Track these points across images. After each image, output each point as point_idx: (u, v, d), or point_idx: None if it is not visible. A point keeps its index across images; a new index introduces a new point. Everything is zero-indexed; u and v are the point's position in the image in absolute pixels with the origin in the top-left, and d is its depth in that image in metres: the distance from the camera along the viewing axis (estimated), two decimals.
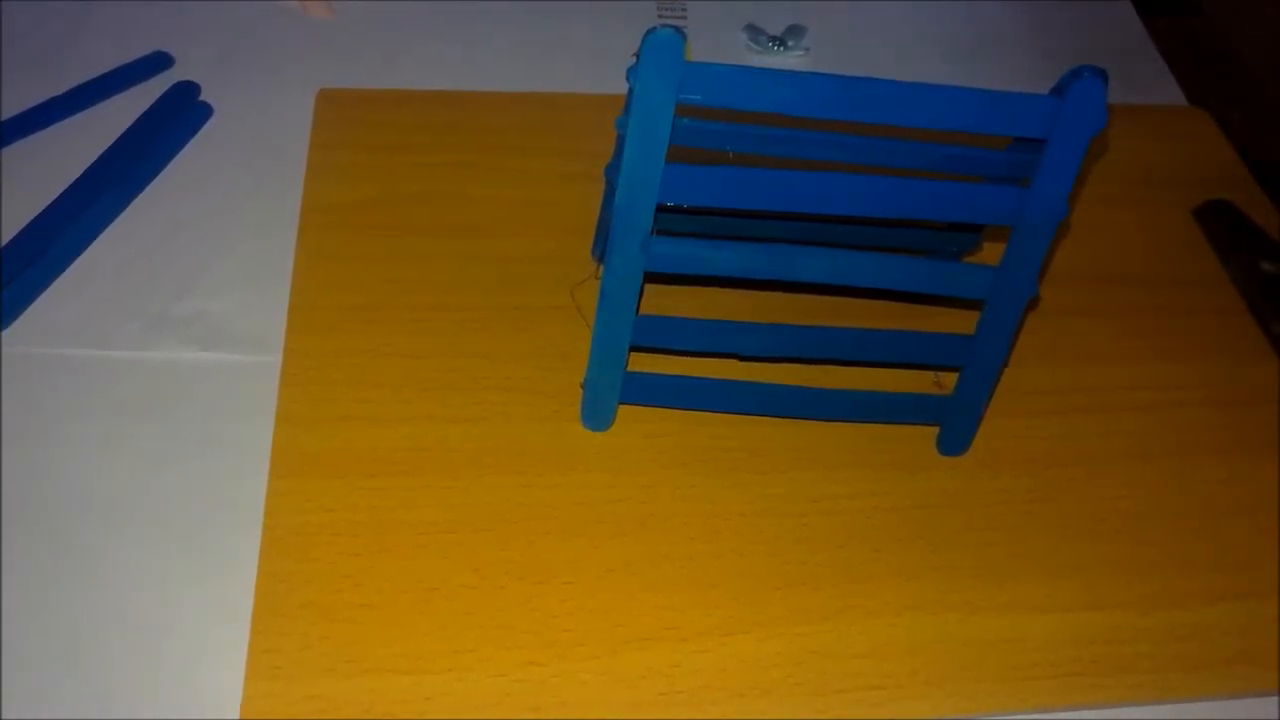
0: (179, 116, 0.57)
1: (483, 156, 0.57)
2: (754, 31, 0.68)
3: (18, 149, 0.55)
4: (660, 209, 0.40)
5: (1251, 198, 0.60)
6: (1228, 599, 0.44)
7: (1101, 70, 0.38)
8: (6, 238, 0.51)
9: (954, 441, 0.48)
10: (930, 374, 0.50)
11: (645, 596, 0.42)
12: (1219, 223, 0.59)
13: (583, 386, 0.46)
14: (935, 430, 0.48)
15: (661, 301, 0.50)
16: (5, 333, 0.48)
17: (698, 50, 0.66)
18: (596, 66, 0.64)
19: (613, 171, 0.47)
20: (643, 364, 0.47)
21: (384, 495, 0.44)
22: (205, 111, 0.58)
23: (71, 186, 0.53)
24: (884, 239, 0.50)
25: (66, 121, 0.57)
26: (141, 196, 0.54)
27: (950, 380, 0.47)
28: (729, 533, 0.44)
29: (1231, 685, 0.42)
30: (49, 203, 0.52)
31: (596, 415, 0.46)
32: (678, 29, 0.36)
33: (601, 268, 0.42)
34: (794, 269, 0.42)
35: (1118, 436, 0.49)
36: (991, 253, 0.51)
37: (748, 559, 0.44)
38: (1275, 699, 0.43)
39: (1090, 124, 0.39)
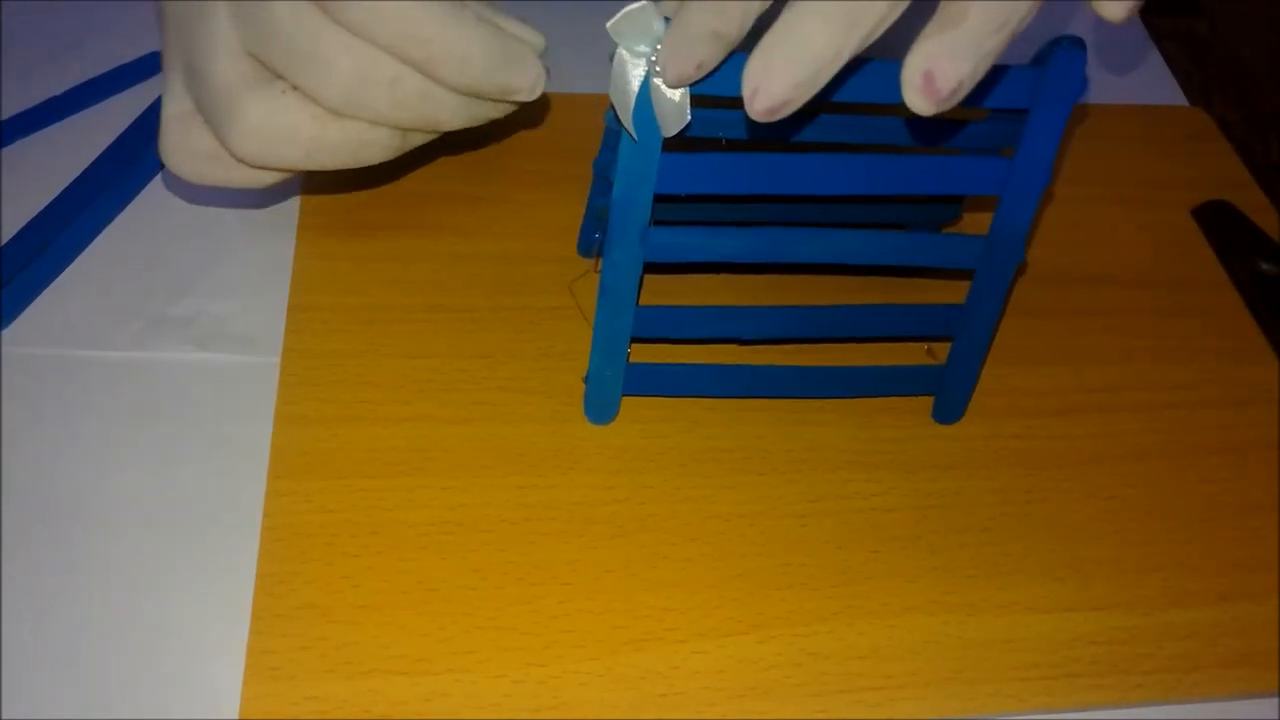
0: None
1: (483, 157, 0.57)
2: None
3: (18, 149, 0.55)
4: (654, 198, 0.40)
5: (1251, 198, 0.60)
6: (1228, 599, 0.44)
7: (1080, 40, 0.39)
8: (6, 238, 0.51)
9: (949, 409, 0.48)
10: (923, 346, 0.51)
11: (644, 597, 0.42)
12: (1219, 223, 0.59)
13: (585, 381, 0.46)
14: (935, 431, 0.48)
15: (648, 295, 0.50)
16: (5, 333, 0.48)
17: None
18: (597, 66, 0.63)
19: (602, 165, 0.47)
20: (641, 355, 0.47)
21: (384, 496, 0.44)
22: None
23: (71, 187, 0.53)
24: (868, 215, 0.50)
25: (66, 121, 0.57)
26: (141, 197, 0.54)
27: (943, 351, 0.48)
28: (728, 533, 0.44)
29: (1232, 686, 0.42)
30: (49, 203, 0.52)
31: (600, 408, 0.46)
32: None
33: (598, 262, 0.42)
34: (790, 251, 0.43)
35: (1117, 436, 0.49)
36: (971, 223, 0.53)
37: (747, 560, 0.44)
38: (1275, 700, 0.43)
39: (1072, 91, 0.40)
